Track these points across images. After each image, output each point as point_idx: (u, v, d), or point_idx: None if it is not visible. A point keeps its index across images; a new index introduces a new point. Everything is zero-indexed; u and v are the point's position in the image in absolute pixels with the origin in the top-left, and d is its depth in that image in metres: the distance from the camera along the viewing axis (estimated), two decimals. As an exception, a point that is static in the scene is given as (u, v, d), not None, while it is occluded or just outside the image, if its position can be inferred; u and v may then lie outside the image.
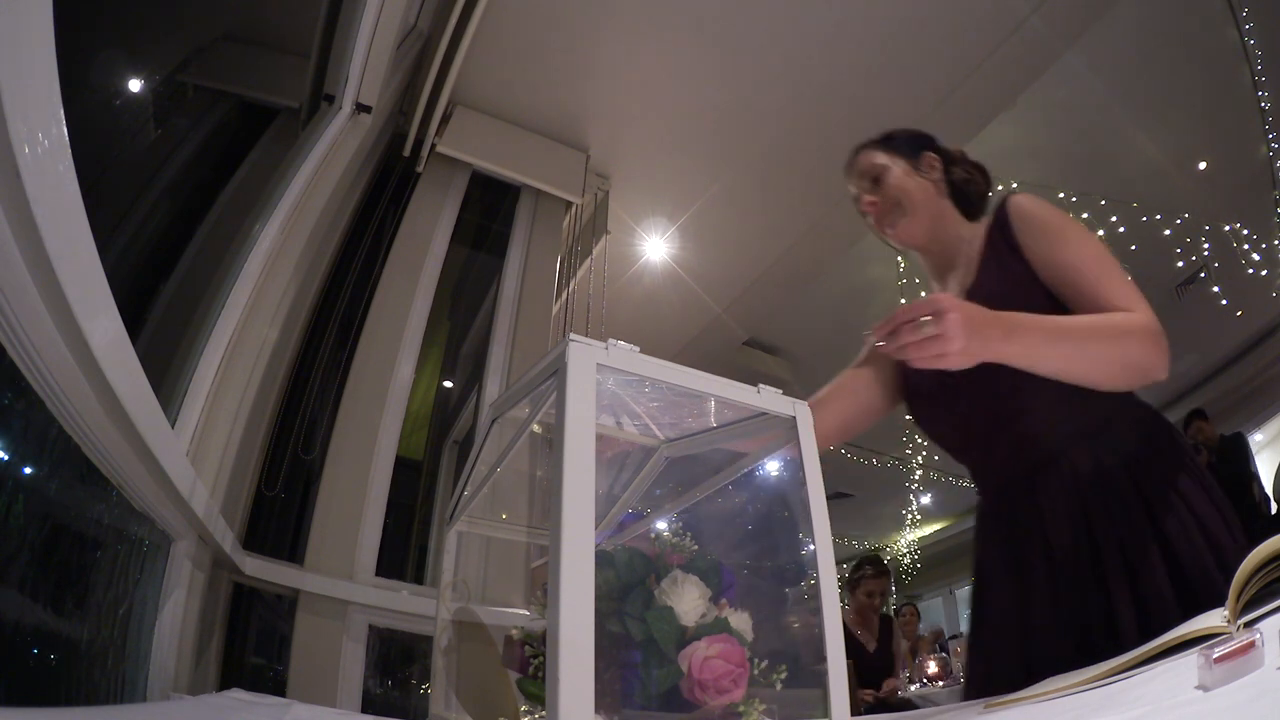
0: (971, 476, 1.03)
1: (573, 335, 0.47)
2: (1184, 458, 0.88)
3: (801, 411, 0.56)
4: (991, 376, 0.89)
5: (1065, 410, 0.89)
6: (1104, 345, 0.80)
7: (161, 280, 1.61)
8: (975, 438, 0.98)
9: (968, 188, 1.08)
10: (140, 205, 1.63)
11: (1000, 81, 2.81)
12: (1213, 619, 0.47)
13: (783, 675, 0.53)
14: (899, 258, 4.16)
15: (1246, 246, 4.70)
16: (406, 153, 2.63)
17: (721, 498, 0.70)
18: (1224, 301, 5.05)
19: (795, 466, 0.56)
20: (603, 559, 0.56)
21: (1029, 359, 0.77)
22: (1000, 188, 4.03)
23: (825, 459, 0.58)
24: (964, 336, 0.69)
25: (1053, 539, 0.87)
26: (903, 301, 3.72)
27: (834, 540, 0.54)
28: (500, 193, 2.88)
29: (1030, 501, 0.91)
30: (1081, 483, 0.87)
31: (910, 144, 1.10)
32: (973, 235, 1.03)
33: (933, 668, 3.37)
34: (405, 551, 2.18)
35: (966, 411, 0.96)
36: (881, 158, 1.08)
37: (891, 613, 5.22)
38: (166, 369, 1.38)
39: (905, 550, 9.28)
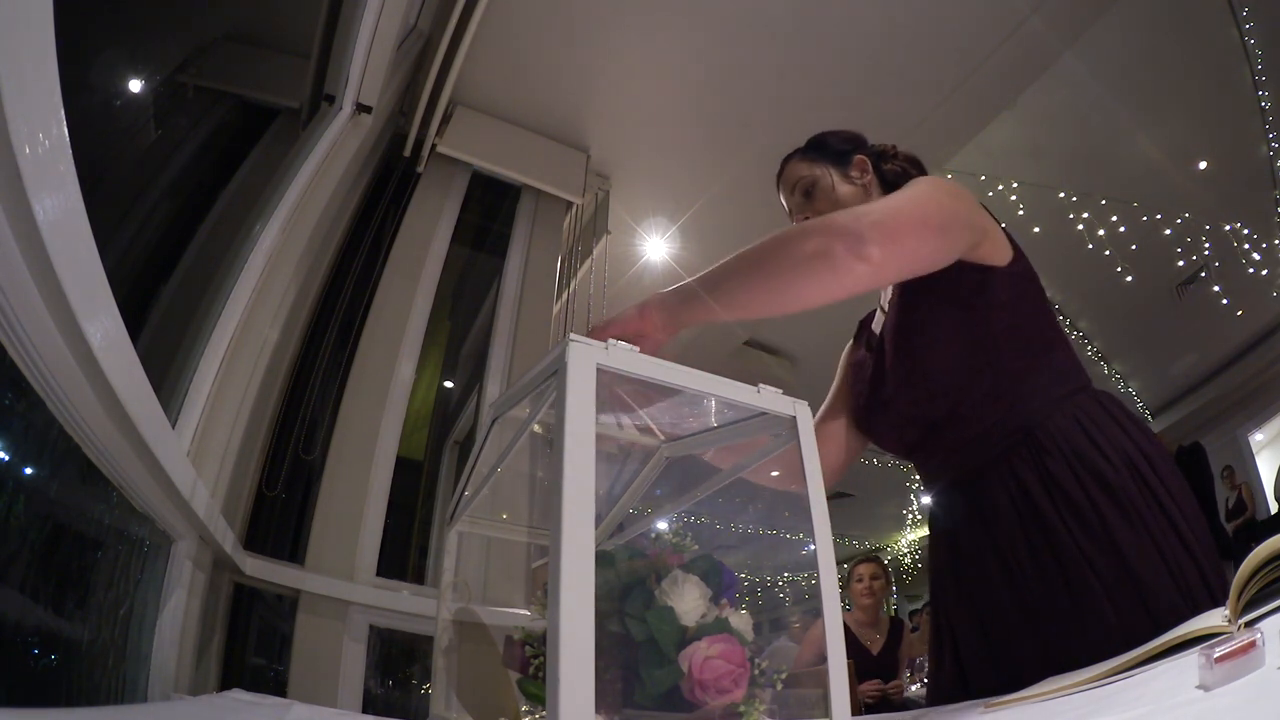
0: (921, 481, 1.00)
1: (573, 335, 0.47)
2: (1130, 458, 0.79)
3: (802, 411, 0.56)
4: (909, 382, 0.89)
5: (998, 409, 0.84)
6: (763, 255, 0.73)
7: (161, 280, 1.61)
8: (914, 446, 0.95)
9: (901, 181, 1.02)
10: (140, 205, 1.63)
11: (1000, 81, 2.81)
12: (1213, 619, 0.47)
13: (783, 675, 0.53)
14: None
15: (1246, 246, 4.70)
16: (407, 153, 2.62)
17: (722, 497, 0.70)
18: (1224, 301, 5.05)
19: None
20: (603, 559, 0.56)
21: (705, 310, 0.74)
22: (1001, 187, 4.05)
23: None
24: (637, 320, 0.74)
25: (1004, 549, 0.81)
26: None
27: (834, 540, 0.54)
28: (501, 193, 2.88)
29: (975, 509, 0.86)
30: (1026, 488, 0.81)
31: (838, 149, 1.05)
32: None
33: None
34: (406, 552, 2.18)
35: (898, 420, 0.93)
36: (809, 169, 1.03)
37: (894, 612, 5.22)
38: (167, 369, 1.38)
39: (905, 550, 9.29)
